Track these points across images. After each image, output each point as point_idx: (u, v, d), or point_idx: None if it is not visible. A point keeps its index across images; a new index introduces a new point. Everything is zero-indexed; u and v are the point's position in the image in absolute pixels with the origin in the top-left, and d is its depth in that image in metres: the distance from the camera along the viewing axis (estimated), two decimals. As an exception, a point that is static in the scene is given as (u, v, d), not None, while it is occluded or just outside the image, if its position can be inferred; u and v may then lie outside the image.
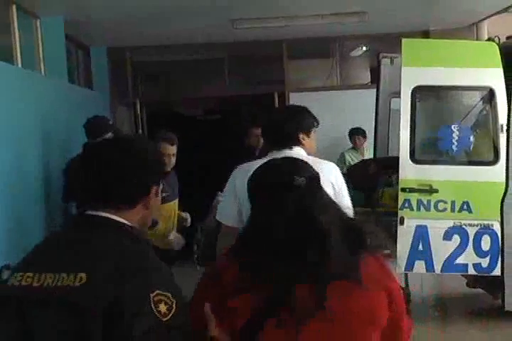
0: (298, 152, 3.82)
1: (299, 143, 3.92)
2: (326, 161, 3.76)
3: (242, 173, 3.52)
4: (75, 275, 2.15)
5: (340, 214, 2.40)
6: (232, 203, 3.74)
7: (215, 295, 2.29)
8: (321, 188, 2.40)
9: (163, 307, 2.09)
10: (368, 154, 10.34)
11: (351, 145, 10.64)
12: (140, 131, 10.91)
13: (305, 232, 2.25)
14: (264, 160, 2.67)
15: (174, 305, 2.12)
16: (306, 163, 2.46)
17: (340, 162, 10.43)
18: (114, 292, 2.08)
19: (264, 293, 2.20)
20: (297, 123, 3.93)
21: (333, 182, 3.70)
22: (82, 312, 2.08)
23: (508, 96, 6.54)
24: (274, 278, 2.19)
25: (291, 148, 3.84)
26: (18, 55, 7.28)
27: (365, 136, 10.43)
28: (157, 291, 2.11)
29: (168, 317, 2.09)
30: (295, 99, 10.92)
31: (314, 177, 2.39)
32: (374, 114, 8.38)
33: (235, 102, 11.81)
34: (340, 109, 10.70)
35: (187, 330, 2.15)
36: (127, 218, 2.32)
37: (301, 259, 2.22)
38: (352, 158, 10.49)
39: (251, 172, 2.50)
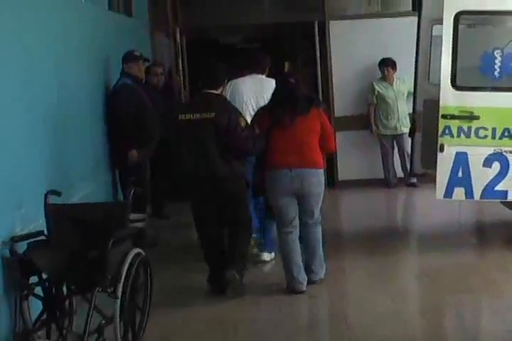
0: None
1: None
2: None
3: (233, 84, 7.28)
4: (210, 113, 6.00)
5: (306, 92, 6.36)
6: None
7: (261, 118, 6.24)
8: (299, 84, 6.24)
9: (242, 122, 6.09)
10: (397, 84, 10.46)
11: (381, 76, 10.63)
12: (180, 59, 10.86)
13: (291, 98, 6.08)
14: (248, 78, 7.49)
15: (244, 121, 6.14)
16: (293, 75, 7.11)
17: (370, 91, 10.63)
18: (227, 119, 5.98)
19: (273, 116, 6.07)
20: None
21: None
22: (216, 124, 5.97)
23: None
24: (278, 113, 6.05)
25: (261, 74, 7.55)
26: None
27: (394, 67, 10.51)
28: (239, 116, 6.16)
29: (243, 125, 6.07)
30: (334, 27, 10.86)
31: (297, 80, 6.22)
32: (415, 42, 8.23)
33: (274, 30, 11.66)
34: (380, 38, 10.58)
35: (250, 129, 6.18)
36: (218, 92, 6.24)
37: (289, 106, 6.03)
38: (381, 88, 10.59)
39: (238, 84, 7.40)
